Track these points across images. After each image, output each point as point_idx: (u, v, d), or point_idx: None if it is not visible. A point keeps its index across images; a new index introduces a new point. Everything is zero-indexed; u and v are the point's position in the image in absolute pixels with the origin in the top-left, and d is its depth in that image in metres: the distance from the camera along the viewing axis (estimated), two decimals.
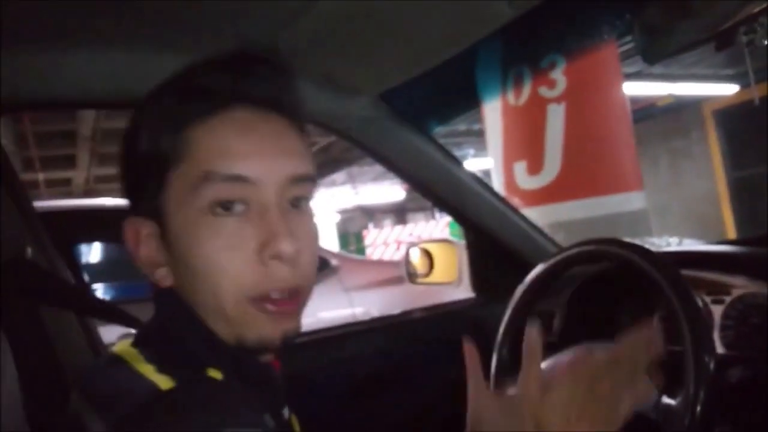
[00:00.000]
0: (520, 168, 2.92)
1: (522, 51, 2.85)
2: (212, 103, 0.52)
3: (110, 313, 0.81)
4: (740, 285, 0.90)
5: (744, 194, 8.28)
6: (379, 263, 4.27)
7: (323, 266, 2.85)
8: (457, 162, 1.25)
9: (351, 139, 1.12)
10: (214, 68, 0.54)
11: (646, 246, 0.87)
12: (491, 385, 1.00)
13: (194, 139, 0.51)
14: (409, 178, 1.21)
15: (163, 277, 0.54)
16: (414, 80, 1.05)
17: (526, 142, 2.92)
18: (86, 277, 2.45)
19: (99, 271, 2.60)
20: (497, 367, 1.01)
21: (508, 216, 1.32)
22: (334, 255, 3.11)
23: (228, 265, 0.50)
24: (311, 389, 1.10)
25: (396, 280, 2.79)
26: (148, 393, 0.46)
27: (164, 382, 0.46)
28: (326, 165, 9.05)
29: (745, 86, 7.55)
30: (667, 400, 0.74)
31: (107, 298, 2.55)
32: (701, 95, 7.74)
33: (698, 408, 0.71)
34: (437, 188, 1.24)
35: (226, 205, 0.50)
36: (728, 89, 7.61)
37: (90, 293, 2.05)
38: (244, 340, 0.52)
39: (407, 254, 1.55)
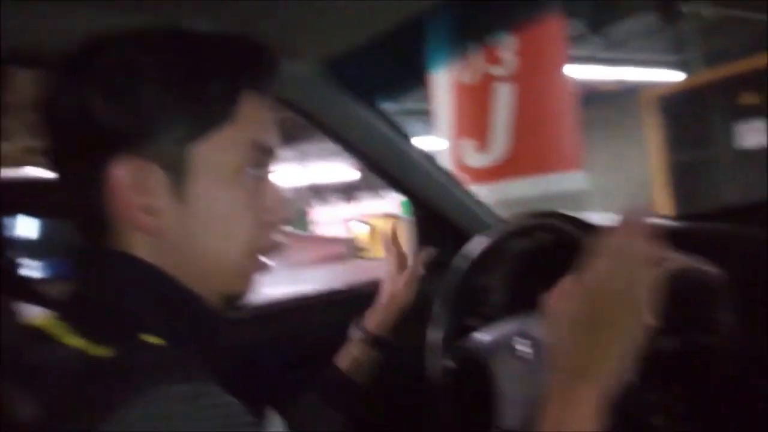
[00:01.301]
0: (467, 146, 2.94)
1: (472, 27, 2.85)
2: (260, 76, 0.56)
3: (28, 292, 0.77)
4: (674, 259, 0.92)
5: (682, 178, 8.64)
6: (325, 239, 4.24)
7: None
8: (404, 135, 1.23)
9: (291, 106, 1.08)
10: (257, 45, 0.56)
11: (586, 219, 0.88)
12: (429, 352, 1.00)
13: (245, 105, 0.54)
14: (352, 149, 1.18)
15: (153, 227, 0.52)
16: (362, 54, 1.03)
17: (474, 120, 2.93)
18: (10, 253, 2.32)
19: (24, 247, 2.47)
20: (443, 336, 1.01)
21: (454, 191, 1.31)
22: None
23: (246, 221, 0.55)
24: (254, 363, 1.08)
25: (342, 256, 2.77)
26: (83, 364, 0.44)
27: (101, 351, 0.44)
28: None
29: (687, 73, 7.84)
30: None
31: (31, 274, 2.43)
32: (645, 81, 7.98)
33: (630, 376, 0.73)
34: (382, 160, 1.22)
35: (256, 171, 0.55)
36: (672, 76, 7.88)
37: (11, 270, 1.95)
38: (234, 293, 0.57)
39: (351, 228, 1.54)
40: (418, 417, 1.02)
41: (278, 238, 0.60)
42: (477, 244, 1.02)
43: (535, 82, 2.87)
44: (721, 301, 0.85)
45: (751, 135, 7.91)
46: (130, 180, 0.50)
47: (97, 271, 0.53)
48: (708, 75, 7.88)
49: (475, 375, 0.97)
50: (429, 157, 1.27)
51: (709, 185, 8.27)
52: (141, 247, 0.53)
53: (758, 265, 0.87)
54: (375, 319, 0.99)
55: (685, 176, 8.60)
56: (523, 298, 1.07)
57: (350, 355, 0.97)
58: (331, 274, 2.85)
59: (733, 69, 7.72)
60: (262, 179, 0.57)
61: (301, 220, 12.38)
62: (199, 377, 0.45)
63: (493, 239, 1.00)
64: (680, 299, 0.83)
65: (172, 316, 0.52)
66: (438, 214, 1.30)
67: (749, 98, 7.94)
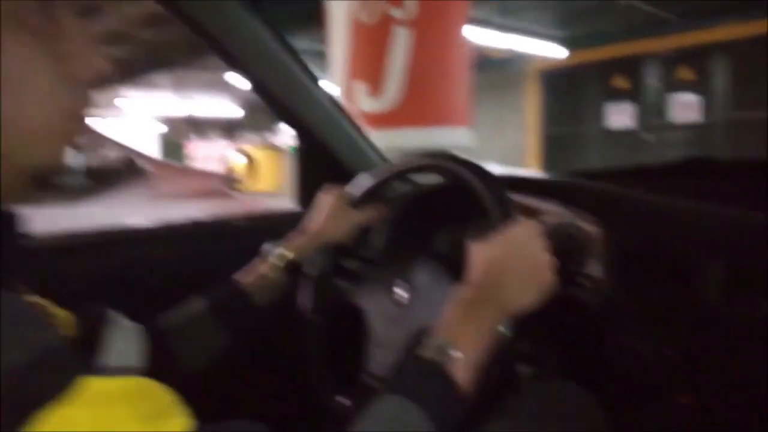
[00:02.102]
0: (361, 88, 2.85)
1: None
2: None
3: None
4: (554, 212, 0.93)
5: (553, 150, 9.23)
6: (200, 172, 3.98)
7: (131, 168, 2.55)
8: (298, 60, 1.13)
9: (170, 6, 0.94)
10: None
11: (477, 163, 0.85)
12: (310, 294, 0.95)
13: None
14: (236, 64, 1.06)
15: None
16: None
17: (369, 62, 2.84)
18: None
19: None
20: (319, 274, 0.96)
21: (345, 127, 1.24)
22: (145, 157, 2.80)
23: (47, 77, 0.46)
24: (113, 289, 0.97)
25: (218, 191, 2.62)
26: None
27: None
28: (146, 63, 8.10)
29: (572, 50, 8.25)
30: None
31: None
32: (531, 54, 8.29)
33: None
34: (270, 81, 1.11)
35: (44, 15, 0.46)
36: (559, 51, 8.25)
37: None
38: (49, 163, 0.48)
39: (229, 157, 1.42)
40: (295, 353, 0.97)
41: (94, 98, 0.50)
42: (361, 182, 0.96)
43: (433, 30, 2.83)
44: (595, 256, 0.86)
45: (618, 116, 8.57)
46: None
47: None
48: (587, 55, 8.36)
49: (347, 316, 0.93)
50: (324, 91, 1.19)
51: (577, 160, 8.91)
52: None
53: (633, 224, 0.89)
54: (296, 244, 0.91)
55: (555, 149, 9.20)
56: (405, 241, 1.04)
57: (257, 273, 0.88)
58: (206, 209, 2.68)
59: (609, 52, 8.25)
60: (58, 25, 0.47)
61: (176, 152, 11.69)
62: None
63: (377, 178, 0.95)
64: (555, 252, 0.83)
65: None
66: (324, 148, 1.23)
67: (620, 81, 8.56)
